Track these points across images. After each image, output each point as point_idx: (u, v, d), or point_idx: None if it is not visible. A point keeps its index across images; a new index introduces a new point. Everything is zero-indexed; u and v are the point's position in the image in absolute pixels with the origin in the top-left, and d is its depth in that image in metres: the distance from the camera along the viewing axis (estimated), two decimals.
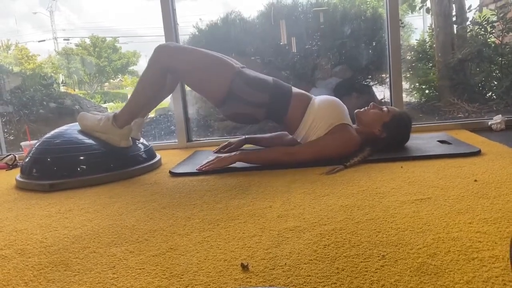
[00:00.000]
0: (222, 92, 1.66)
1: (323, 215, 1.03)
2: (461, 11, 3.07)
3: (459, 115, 2.75)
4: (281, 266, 0.76)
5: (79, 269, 0.83)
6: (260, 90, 1.67)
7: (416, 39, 3.46)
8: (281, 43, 2.75)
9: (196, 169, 1.66)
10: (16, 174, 1.80)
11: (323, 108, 1.69)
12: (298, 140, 1.75)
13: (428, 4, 3.26)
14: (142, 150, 1.88)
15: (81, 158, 1.67)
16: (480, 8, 3.03)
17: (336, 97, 1.77)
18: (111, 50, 4.64)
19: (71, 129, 1.80)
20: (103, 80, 4.68)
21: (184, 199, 1.29)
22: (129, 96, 1.79)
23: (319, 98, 1.74)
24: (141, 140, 1.94)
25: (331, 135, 1.63)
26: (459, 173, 1.33)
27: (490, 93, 2.96)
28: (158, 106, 3.26)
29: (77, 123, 1.81)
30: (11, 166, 2.25)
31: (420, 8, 3.38)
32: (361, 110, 1.78)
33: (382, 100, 2.92)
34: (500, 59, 2.85)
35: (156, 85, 1.69)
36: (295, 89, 1.76)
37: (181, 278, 0.75)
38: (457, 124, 2.37)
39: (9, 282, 0.79)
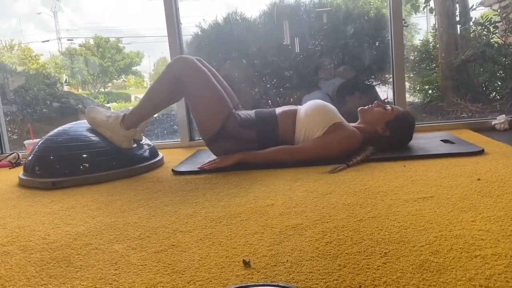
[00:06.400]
0: (214, 127, 1.69)
1: (325, 213, 1.03)
2: (465, 10, 3.05)
3: (463, 115, 2.74)
4: (283, 262, 0.76)
5: (81, 265, 0.83)
6: (248, 126, 1.71)
7: (419, 39, 3.45)
8: (284, 43, 2.74)
9: (198, 168, 1.66)
10: (19, 172, 1.81)
11: (309, 116, 1.69)
12: None
13: (432, 4, 3.25)
14: (145, 148, 1.88)
15: (84, 156, 1.68)
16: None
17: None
18: (115, 50, 4.64)
19: (74, 127, 1.80)
20: (106, 80, 4.69)
21: (186, 197, 1.29)
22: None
23: (304, 108, 1.75)
24: (143, 140, 1.94)
25: (330, 134, 1.63)
26: (462, 172, 1.33)
27: (493, 94, 2.95)
28: None
29: (85, 116, 1.80)
30: (14, 164, 2.26)
31: (423, 8, 3.37)
32: (365, 107, 1.78)
33: (385, 100, 2.92)
34: (504, 59, 2.84)
35: (166, 91, 1.73)
36: (279, 109, 1.77)
37: (183, 274, 0.75)
38: (461, 123, 2.36)
39: (11, 278, 0.79)
